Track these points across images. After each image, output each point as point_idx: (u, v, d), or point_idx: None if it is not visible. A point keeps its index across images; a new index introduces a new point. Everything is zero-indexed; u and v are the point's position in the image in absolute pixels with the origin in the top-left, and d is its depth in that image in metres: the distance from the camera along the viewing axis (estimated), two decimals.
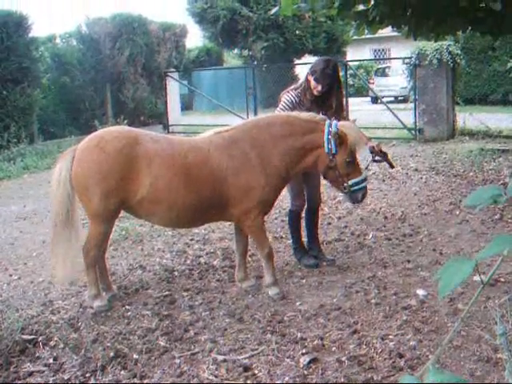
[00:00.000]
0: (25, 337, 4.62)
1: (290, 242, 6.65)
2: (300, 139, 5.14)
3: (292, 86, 6.05)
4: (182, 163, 4.94)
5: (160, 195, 4.89)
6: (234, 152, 5.05)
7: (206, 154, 5.02)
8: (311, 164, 5.27)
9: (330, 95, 5.77)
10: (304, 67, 28.06)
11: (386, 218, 7.95)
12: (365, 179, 5.39)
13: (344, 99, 6.08)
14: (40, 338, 4.62)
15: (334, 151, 5.10)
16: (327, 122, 5.20)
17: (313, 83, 5.72)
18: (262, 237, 5.34)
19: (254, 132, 5.17)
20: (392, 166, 5.97)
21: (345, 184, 5.26)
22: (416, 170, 11.32)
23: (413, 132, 15.63)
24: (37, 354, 4.40)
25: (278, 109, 5.85)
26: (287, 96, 5.86)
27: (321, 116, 5.34)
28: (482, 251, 1.34)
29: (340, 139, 5.09)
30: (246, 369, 4.06)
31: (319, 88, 5.70)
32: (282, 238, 7.18)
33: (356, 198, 5.43)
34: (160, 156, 4.90)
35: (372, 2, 7.11)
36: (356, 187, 5.30)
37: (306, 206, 6.23)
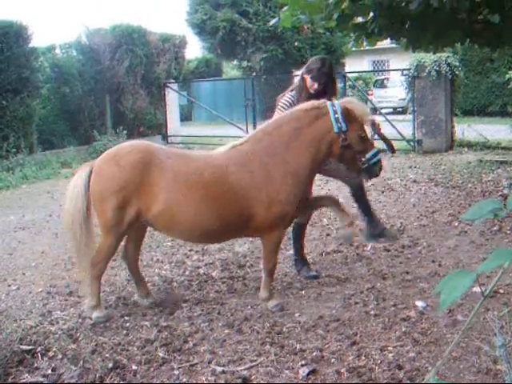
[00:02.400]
0: (23, 347, 4.61)
1: (290, 252, 6.66)
2: (309, 130, 5.04)
3: (288, 89, 6.11)
4: (198, 180, 4.90)
5: (176, 212, 4.87)
6: (253, 166, 4.98)
7: (223, 170, 4.96)
8: (326, 152, 5.16)
9: (325, 93, 5.81)
10: None
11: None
12: (379, 151, 5.32)
13: (337, 96, 6.11)
14: (38, 349, 4.61)
15: (343, 128, 5.01)
16: (328, 103, 5.13)
17: (309, 82, 5.80)
18: (275, 251, 5.31)
19: (266, 140, 5.08)
20: (393, 150, 5.84)
21: (363, 159, 5.17)
22: (415, 181, 11.34)
23: (411, 143, 15.67)
24: (35, 365, 4.39)
25: (276, 112, 5.89)
26: (284, 99, 5.96)
27: (320, 100, 5.26)
28: (483, 264, 1.35)
29: (348, 115, 5.04)
30: (245, 380, 4.05)
31: (315, 86, 5.79)
32: (281, 248, 7.17)
33: (374, 172, 5.36)
34: (175, 172, 4.88)
35: (371, 15, 7.14)
36: (374, 159, 5.23)
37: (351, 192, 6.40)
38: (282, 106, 5.87)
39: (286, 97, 5.95)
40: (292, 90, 6.00)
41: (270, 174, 4.98)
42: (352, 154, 5.17)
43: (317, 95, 5.79)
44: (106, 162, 5.00)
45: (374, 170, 5.32)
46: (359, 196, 6.38)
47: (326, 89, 5.83)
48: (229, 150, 5.14)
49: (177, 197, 4.85)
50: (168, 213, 4.87)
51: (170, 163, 4.92)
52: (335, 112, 5.04)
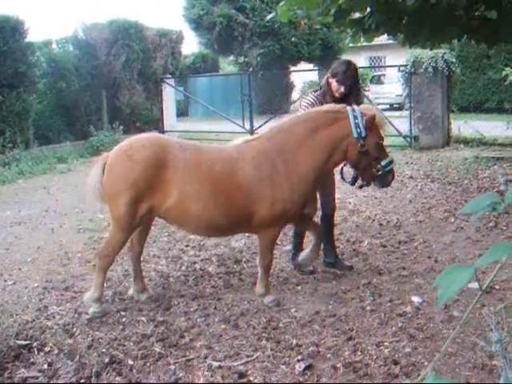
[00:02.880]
0: (19, 342, 4.61)
1: (287, 248, 6.66)
2: (325, 132, 5.04)
3: (311, 90, 6.12)
4: (209, 173, 4.91)
5: (187, 205, 4.88)
6: (262, 162, 4.98)
7: (234, 164, 4.97)
8: (341, 156, 5.18)
9: (349, 97, 5.80)
10: (299, 74, 28.20)
11: (381, 225, 7.97)
12: (393, 160, 5.36)
13: (362, 100, 6.12)
14: (35, 344, 4.61)
15: (363, 134, 5.02)
16: (348, 108, 5.13)
17: (335, 85, 5.75)
18: (270, 248, 5.33)
19: (279, 137, 5.10)
20: None
21: (378, 166, 5.19)
22: (411, 177, 11.35)
23: (408, 139, 15.67)
24: (31, 360, 4.39)
25: (299, 112, 5.88)
26: (307, 99, 5.93)
27: (339, 104, 5.28)
28: (481, 259, 1.35)
29: (369, 122, 5.04)
30: (242, 375, 4.06)
31: (342, 90, 5.74)
32: (277, 244, 7.16)
33: (387, 180, 5.38)
34: (187, 165, 4.89)
35: (368, 10, 7.14)
36: (389, 168, 5.26)
37: (320, 213, 6.25)
38: (305, 107, 5.85)
39: (310, 97, 5.91)
40: (316, 91, 5.97)
41: (277, 172, 4.98)
42: (368, 161, 5.18)
43: (341, 98, 5.79)
44: (119, 157, 4.98)
45: (387, 178, 5.35)
46: (327, 220, 6.31)
47: (351, 91, 5.82)
48: (241, 145, 5.16)
49: (189, 191, 4.87)
50: (180, 206, 4.89)
51: (183, 157, 4.92)
52: (355, 117, 5.05)
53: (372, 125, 5.08)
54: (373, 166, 5.21)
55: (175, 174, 4.85)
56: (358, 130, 5.02)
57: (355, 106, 5.23)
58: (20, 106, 15.00)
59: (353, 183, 5.65)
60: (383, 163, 5.20)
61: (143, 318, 5.07)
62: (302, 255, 5.64)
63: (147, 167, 4.83)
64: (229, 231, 5.51)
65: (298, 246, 6.27)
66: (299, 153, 5.03)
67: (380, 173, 5.23)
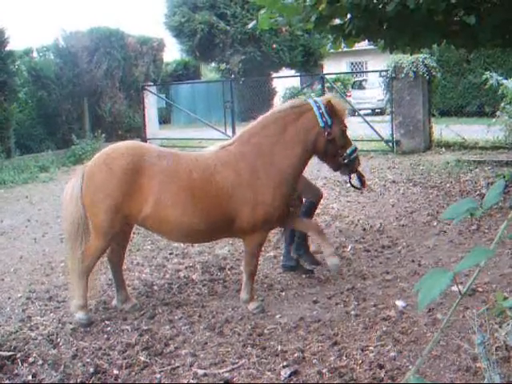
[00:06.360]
0: (3, 353, 4.57)
1: (270, 254, 6.67)
2: (295, 128, 5.14)
3: None
4: (187, 180, 4.94)
5: (165, 213, 4.91)
6: (241, 166, 5.04)
7: (211, 170, 5.01)
8: (312, 148, 5.27)
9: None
10: (281, 80, 28.25)
11: (364, 229, 7.99)
12: (356, 148, 5.47)
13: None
14: (18, 355, 4.57)
15: (329, 123, 5.16)
16: (310, 100, 5.30)
17: None
18: (256, 253, 5.34)
19: (254, 141, 5.15)
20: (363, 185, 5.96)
21: (344, 154, 5.33)
22: (393, 181, 11.40)
23: (390, 144, 15.74)
24: (15, 371, 4.36)
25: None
26: None
27: (300, 99, 5.43)
28: (460, 263, 1.36)
29: (331, 110, 5.18)
30: (227, 383, 4.05)
31: None
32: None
33: (354, 167, 5.50)
34: (165, 173, 4.92)
35: (348, 16, 7.17)
36: (354, 155, 5.39)
37: None
38: None
39: None
40: None
41: (257, 175, 5.04)
42: (335, 149, 5.30)
43: None
44: (97, 167, 5.00)
45: (354, 165, 5.47)
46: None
47: None
48: (218, 151, 5.20)
49: (167, 198, 4.89)
50: (158, 214, 4.91)
51: (161, 164, 4.95)
52: (319, 108, 5.18)
53: (334, 112, 5.21)
54: (339, 155, 5.34)
55: (153, 182, 4.88)
56: (324, 119, 5.17)
57: (316, 98, 5.40)
58: (1, 115, 14.92)
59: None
60: (348, 151, 5.35)
61: (128, 327, 5.05)
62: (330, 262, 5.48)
63: (125, 177, 4.86)
64: (210, 237, 5.53)
65: (303, 235, 6.30)
66: (275, 153, 5.11)
67: (347, 160, 5.38)
